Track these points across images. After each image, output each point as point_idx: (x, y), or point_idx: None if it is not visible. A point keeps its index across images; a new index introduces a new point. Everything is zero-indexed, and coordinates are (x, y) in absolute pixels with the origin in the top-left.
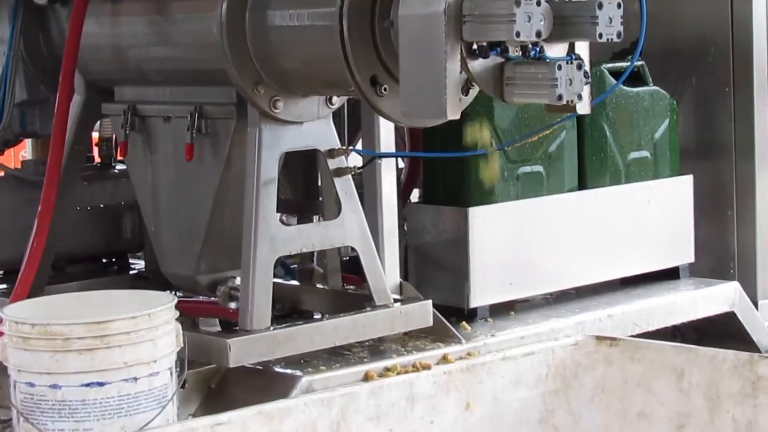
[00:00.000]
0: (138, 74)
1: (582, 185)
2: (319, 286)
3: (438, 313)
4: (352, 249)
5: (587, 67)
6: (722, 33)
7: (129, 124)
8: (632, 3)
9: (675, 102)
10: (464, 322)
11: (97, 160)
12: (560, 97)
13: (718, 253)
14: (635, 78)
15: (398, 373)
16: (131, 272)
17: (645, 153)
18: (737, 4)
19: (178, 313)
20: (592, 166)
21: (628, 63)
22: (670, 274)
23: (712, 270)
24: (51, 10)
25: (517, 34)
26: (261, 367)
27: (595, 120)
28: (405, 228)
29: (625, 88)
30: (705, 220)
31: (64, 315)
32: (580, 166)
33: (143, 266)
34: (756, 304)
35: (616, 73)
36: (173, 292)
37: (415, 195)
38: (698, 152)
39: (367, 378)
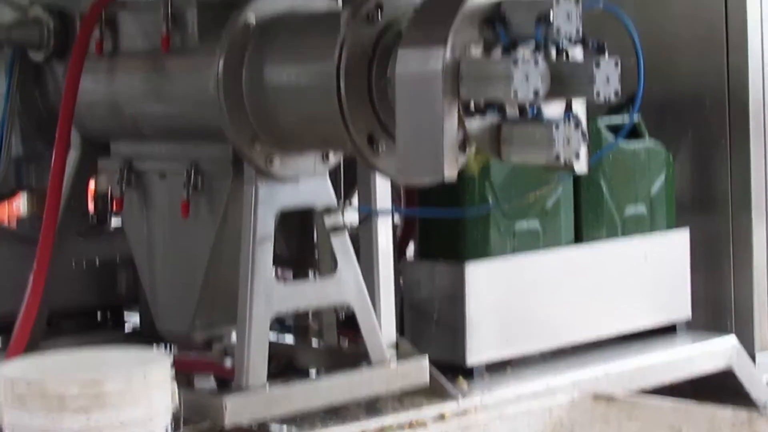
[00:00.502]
0: (134, 130)
1: (578, 239)
2: (314, 342)
3: (434, 370)
4: (348, 306)
5: (584, 126)
6: (718, 86)
7: (125, 179)
8: (628, 56)
9: (671, 156)
10: (461, 378)
11: (92, 213)
12: (558, 157)
13: (715, 305)
14: (631, 132)
15: None
16: (126, 327)
17: (641, 207)
18: (733, 56)
19: (173, 372)
20: (589, 221)
21: (625, 116)
22: (667, 329)
23: (709, 323)
24: (47, 65)
25: (515, 94)
26: (256, 425)
27: (592, 175)
28: (401, 283)
29: (622, 143)
30: (702, 273)
31: (60, 373)
32: (576, 220)
33: (138, 321)
34: (753, 357)
35: (612, 128)
36: (168, 348)
37: (411, 248)
38: (695, 205)
39: None
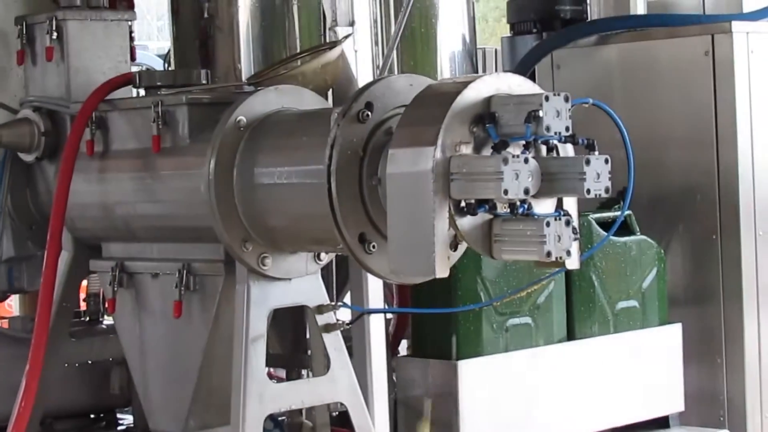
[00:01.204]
0: (126, 231)
1: (571, 335)
2: None
3: None
4: (341, 404)
5: (576, 223)
6: (708, 181)
7: (117, 280)
8: (618, 151)
9: (662, 250)
10: None
11: (85, 313)
12: (549, 254)
13: (707, 400)
14: (622, 227)
15: None
16: (119, 428)
17: (633, 302)
18: (723, 152)
19: None
20: (581, 316)
21: (615, 212)
22: (660, 423)
23: (702, 418)
24: (38, 166)
25: (505, 192)
26: None
27: (583, 270)
28: (394, 380)
29: (613, 238)
30: (694, 367)
31: None
32: (568, 316)
33: (131, 422)
34: None
35: (603, 224)
36: None
37: (403, 345)
38: (686, 299)
39: None
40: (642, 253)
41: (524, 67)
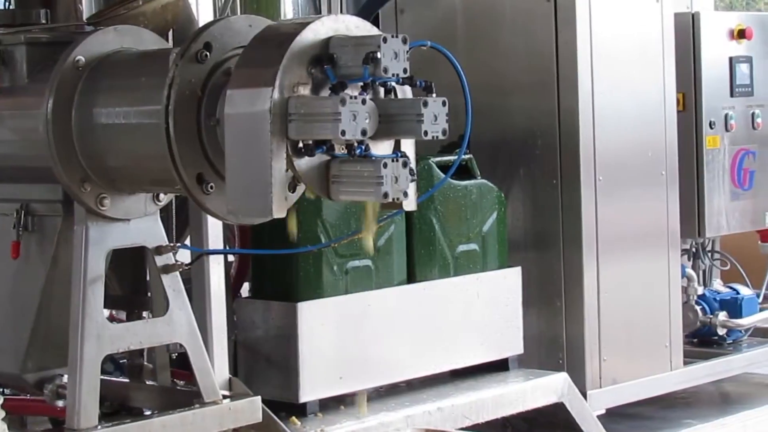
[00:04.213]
0: None
1: (411, 278)
2: (148, 382)
3: (267, 409)
4: (181, 345)
5: (413, 165)
6: (549, 126)
7: None
8: (459, 96)
9: (503, 194)
10: (294, 418)
11: None
12: (386, 195)
13: (547, 343)
14: (463, 171)
15: None
16: None
17: (473, 245)
18: (563, 96)
19: (4, 413)
20: (421, 259)
21: (456, 156)
22: (499, 366)
23: (541, 361)
24: None
25: (343, 133)
26: None
27: (424, 213)
28: (235, 322)
29: (453, 181)
30: (534, 311)
31: None
32: (408, 259)
33: None
34: (585, 395)
35: (444, 167)
36: (0, 390)
37: (245, 288)
38: (527, 244)
39: None
40: (482, 196)
41: (368, 12)
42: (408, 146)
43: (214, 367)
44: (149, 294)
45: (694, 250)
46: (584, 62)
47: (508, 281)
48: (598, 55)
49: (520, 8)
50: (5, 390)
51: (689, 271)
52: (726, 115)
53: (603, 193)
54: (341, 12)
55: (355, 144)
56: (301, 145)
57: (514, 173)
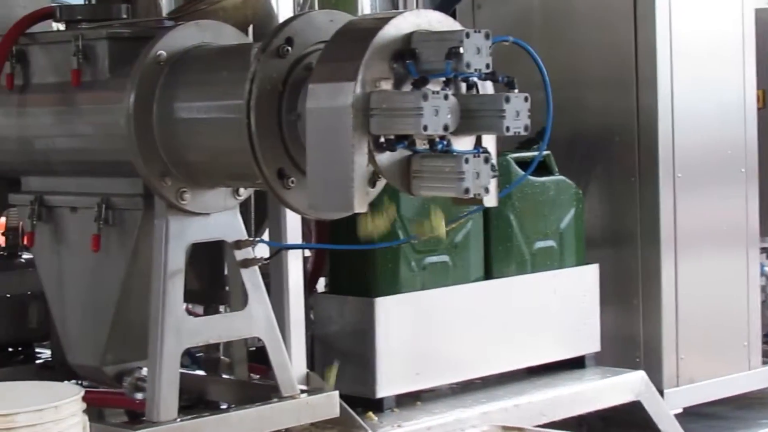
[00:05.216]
0: (45, 165)
1: (488, 274)
2: (225, 376)
3: (344, 404)
4: (259, 339)
5: (494, 160)
6: (627, 122)
7: (36, 214)
8: (539, 91)
9: (581, 191)
10: (370, 413)
11: (4, 248)
12: (467, 191)
13: (624, 341)
14: (541, 167)
15: None
16: (37, 362)
17: (551, 242)
18: (642, 93)
19: (84, 405)
20: (498, 256)
21: (535, 152)
22: (576, 363)
23: (618, 359)
24: None
25: (425, 128)
26: None
27: (501, 210)
28: (312, 318)
29: (531, 177)
30: (611, 309)
31: None
32: (486, 255)
33: (50, 356)
34: (662, 393)
35: (522, 163)
36: (79, 383)
37: (321, 283)
38: (604, 241)
39: None
40: (560, 193)
41: (445, 6)
42: (489, 142)
43: (292, 362)
44: (226, 288)
45: None
46: (664, 59)
47: (586, 278)
48: (678, 52)
49: (599, 4)
50: (84, 382)
51: None
52: None
53: (681, 190)
54: (417, 7)
55: (437, 139)
56: (382, 140)
57: (591, 170)
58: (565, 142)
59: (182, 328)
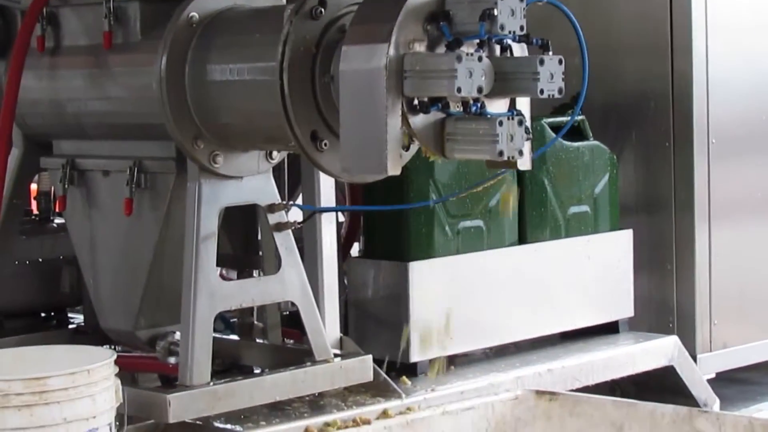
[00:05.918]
0: (77, 128)
1: (522, 239)
2: (258, 340)
3: (378, 368)
4: (292, 304)
5: (528, 123)
6: (662, 88)
7: (68, 178)
8: (573, 57)
9: (615, 156)
10: (404, 377)
11: (36, 213)
12: (501, 153)
13: (657, 307)
14: (575, 132)
15: (338, 429)
16: (70, 327)
17: (585, 207)
18: (677, 60)
19: (117, 369)
20: (532, 221)
21: (569, 117)
22: (609, 329)
23: (651, 324)
24: None
25: (459, 90)
26: (201, 423)
27: (535, 174)
28: (345, 282)
29: (566, 142)
30: (644, 275)
31: (3, 371)
32: (520, 220)
33: (82, 321)
34: (695, 358)
35: (556, 128)
36: (112, 347)
37: (355, 249)
38: (638, 207)
39: None
40: (594, 158)
41: None
42: (523, 105)
43: (326, 326)
44: (260, 252)
45: None
46: (699, 27)
47: (619, 244)
48: (713, 20)
49: None
50: (117, 347)
51: None
52: None
53: (716, 156)
54: None
55: (471, 101)
56: (416, 102)
57: (625, 135)
58: (600, 108)
59: (215, 292)
